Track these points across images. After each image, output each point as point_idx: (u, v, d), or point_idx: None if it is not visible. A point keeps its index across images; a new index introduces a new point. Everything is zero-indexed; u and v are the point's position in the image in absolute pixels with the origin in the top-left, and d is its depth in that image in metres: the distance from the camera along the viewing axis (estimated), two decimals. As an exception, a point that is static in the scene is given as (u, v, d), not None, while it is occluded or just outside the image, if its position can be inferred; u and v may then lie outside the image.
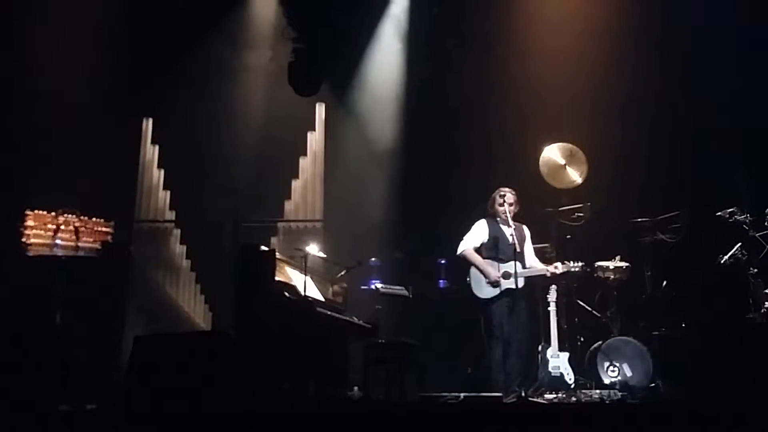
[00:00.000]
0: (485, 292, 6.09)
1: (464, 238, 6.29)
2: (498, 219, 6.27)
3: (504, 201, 6.19)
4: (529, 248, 6.30)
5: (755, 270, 5.80)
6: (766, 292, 5.78)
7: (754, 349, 4.32)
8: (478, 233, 6.28)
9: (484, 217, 6.34)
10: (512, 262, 5.96)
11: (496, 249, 6.18)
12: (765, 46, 6.78)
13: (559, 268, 6.09)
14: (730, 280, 5.95)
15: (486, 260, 6.16)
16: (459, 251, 6.27)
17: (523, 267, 6.05)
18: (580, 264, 6.10)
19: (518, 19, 7.57)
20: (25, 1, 7.32)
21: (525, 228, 6.34)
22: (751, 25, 6.82)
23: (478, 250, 6.25)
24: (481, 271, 6.10)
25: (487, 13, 7.57)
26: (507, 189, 6.27)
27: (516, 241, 6.00)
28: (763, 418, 3.67)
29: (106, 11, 7.31)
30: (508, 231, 6.18)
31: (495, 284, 6.02)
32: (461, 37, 7.64)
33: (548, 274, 6.12)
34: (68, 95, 7.07)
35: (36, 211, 6.35)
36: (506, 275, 6.05)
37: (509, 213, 6.14)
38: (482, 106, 7.46)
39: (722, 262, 5.92)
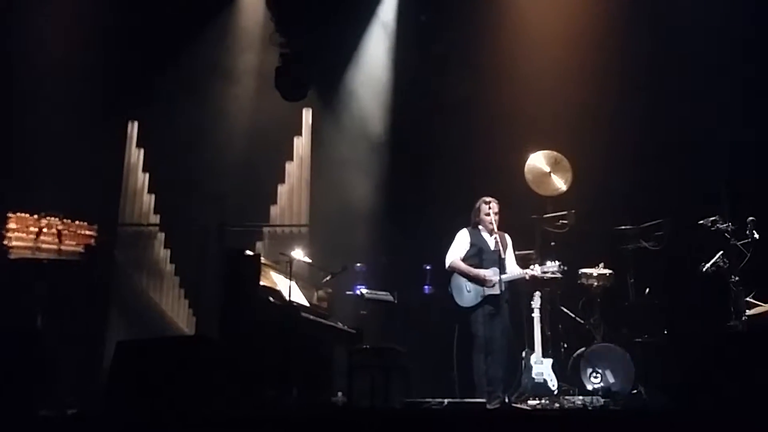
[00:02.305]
0: (467, 300, 6.13)
1: (450, 250, 6.32)
2: (481, 227, 6.31)
3: (490, 210, 6.22)
4: (510, 256, 6.34)
5: (737, 278, 5.84)
6: (747, 300, 5.84)
7: (735, 357, 4.37)
8: (462, 243, 6.32)
9: (465, 227, 6.38)
10: (494, 269, 6.03)
11: (478, 257, 6.22)
12: (751, 55, 6.87)
13: (536, 270, 6.13)
14: (712, 288, 6.00)
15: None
16: (447, 264, 6.30)
17: (504, 274, 6.10)
18: (556, 263, 6.14)
19: (506, 27, 7.61)
20: (11, 1, 7.26)
21: (507, 236, 6.37)
22: (739, 33, 6.90)
23: (463, 260, 6.28)
24: (473, 278, 6.12)
25: (475, 21, 7.61)
26: (490, 198, 6.30)
27: (500, 249, 6.06)
28: (743, 423, 3.71)
29: (92, 13, 7.28)
30: (491, 239, 6.23)
31: (492, 285, 6.04)
32: (449, 44, 7.67)
33: (527, 277, 6.15)
34: (53, 97, 7.02)
35: (18, 214, 6.28)
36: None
37: (495, 222, 6.17)
38: (469, 114, 7.49)
39: (704, 270, 5.97)
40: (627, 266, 6.56)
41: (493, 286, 6.03)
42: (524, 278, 6.17)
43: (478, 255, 6.23)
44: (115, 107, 7.34)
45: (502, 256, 6.09)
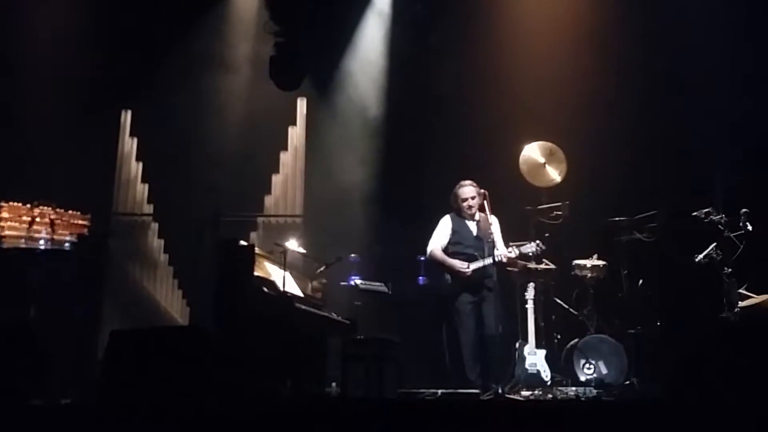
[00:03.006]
0: (444, 287, 6.14)
1: (431, 238, 6.31)
2: (463, 214, 6.30)
3: (467, 195, 6.20)
4: (498, 239, 6.24)
5: (729, 270, 5.87)
6: (739, 292, 5.87)
7: (728, 348, 4.38)
8: (443, 230, 6.31)
9: (448, 213, 6.37)
10: (475, 255, 6.03)
11: (460, 243, 6.21)
12: (748, 48, 6.87)
13: (514, 252, 6.11)
14: (705, 280, 6.03)
15: (453, 255, 6.16)
16: (427, 253, 6.30)
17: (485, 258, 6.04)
18: (534, 243, 6.12)
19: (502, 17, 7.59)
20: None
21: (494, 219, 6.24)
22: (735, 25, 6.90)
23: (446, 247, 6.26)
24: (449, 267, 6.12)
25: (472, 10, 7.58)
26: (467, 183, 6.26)
27: (480, 234, 6.04)
28: (736, 415, 3.73)
29: (86, 3, 7.22)
30: (473, 224, 6.22)
31: (466, 277, 6.03)
32: (445, 33, 7.64)
33: (504, 260, 6.08)
34: (45, 85, 6.96)
35: (11, 203, 6.24)
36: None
37: (479, 206, 6.15)
38: (464, 104, 7.49)
39: (697, 261, 6.00)
40: (620, 257, 6.58)
41: (468, 276, 6.02)
42: (502, 260, 6.06)
43: (460, 242, 6.22)
44: (109, 96, 7.30)
45: (487, 241, 6.00)
